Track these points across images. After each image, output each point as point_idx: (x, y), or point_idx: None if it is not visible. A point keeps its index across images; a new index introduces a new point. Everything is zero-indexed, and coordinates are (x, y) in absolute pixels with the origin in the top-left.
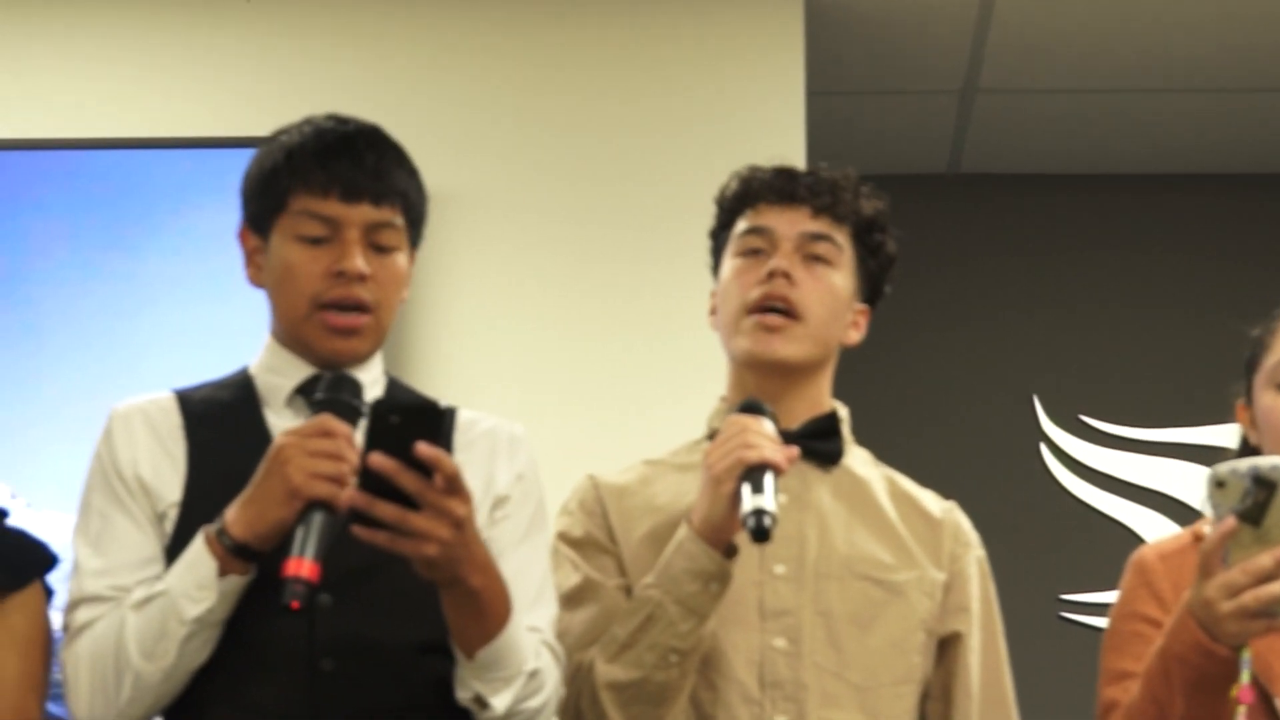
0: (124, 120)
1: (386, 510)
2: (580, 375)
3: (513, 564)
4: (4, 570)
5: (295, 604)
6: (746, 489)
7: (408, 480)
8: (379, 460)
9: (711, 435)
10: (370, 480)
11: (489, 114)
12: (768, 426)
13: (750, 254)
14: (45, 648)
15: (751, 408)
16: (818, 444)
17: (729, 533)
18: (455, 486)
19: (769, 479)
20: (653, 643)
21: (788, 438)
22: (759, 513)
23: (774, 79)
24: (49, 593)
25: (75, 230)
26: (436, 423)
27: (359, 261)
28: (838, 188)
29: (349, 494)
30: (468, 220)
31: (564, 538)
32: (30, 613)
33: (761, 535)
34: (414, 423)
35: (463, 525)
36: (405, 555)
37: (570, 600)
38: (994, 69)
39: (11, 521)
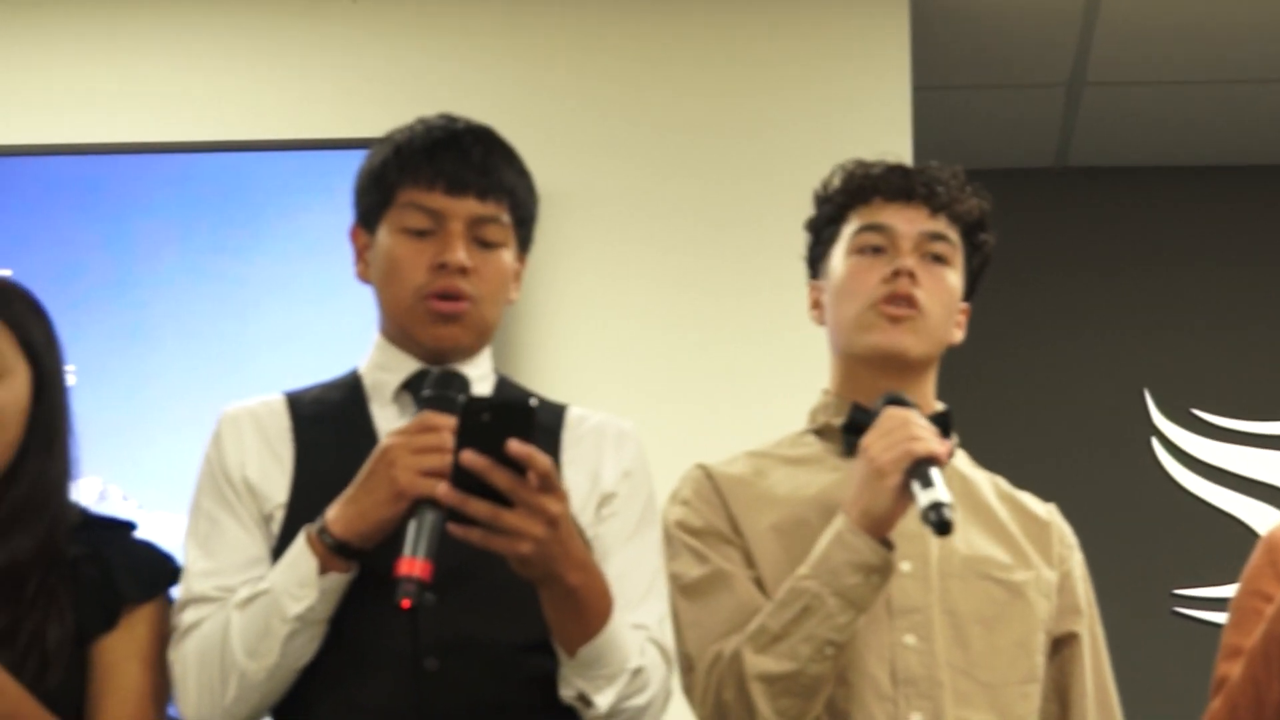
0: (232, 123)
1: (478, 507)
2: (688, 372)
3: (620, 561)
4: (134, 584)
5: (406, 602)
6: (916, 484)
7: (500, 477)
8: (471, 458)
9: (820, 429)
10: (463, 477)
11: (597, 113)
12: (922, 418)
13: (869, 251)
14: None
15: (898, 402)
16: None
17: (890, 525)
18: (549, 484)
19: (936, 472)
20: (809, 635)
21: None
22: (938, 506)
23: (880, 75)
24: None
25: (183, 233)
26: (528, 420)
27: (460, 254)
28: (951, 186)
29: (443, 490)
30: (577, 219)
31: (683, 527)
32: (156, 624)
33: (944, 529)
34: (506, 420)
35: (557, 523)
36: (499, 553)
37: (697, 590)
38: (1101, 61)
39: (148, 536)
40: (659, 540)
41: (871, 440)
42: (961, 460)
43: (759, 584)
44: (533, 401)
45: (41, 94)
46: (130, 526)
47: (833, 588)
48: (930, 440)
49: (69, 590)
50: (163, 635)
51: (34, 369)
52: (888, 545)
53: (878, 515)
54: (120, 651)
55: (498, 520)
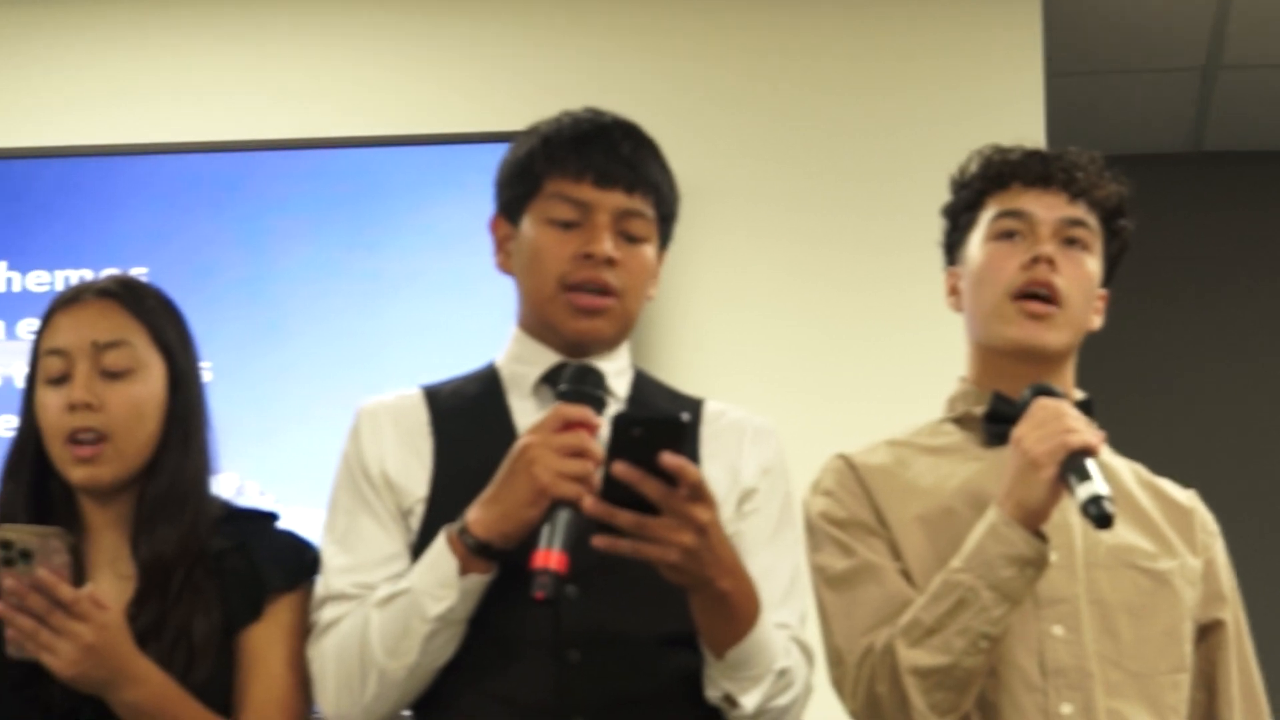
0: (366, 118)
1: (626, 518)
2: (824, 365)
3: (762, 561)
4: (278, 573)
5: (541, 595)
6: (1073, 477)
7: (651, 488)
8: (623, 470)
9: (959, 418)
10: (612, 489)
11: (733, 107)
12: (1073, 409)
13: (1006, 237)
14: None
15: (1047, 392)
16: None
17: (1044, 517)
18: (699, 493)
19: (1092, 464)
20: (963, 628)
21: None
22: (1098, 499)
23: (1013, 62)
24: None
25: (318, 229)
26: (679, 434)
27: (608, 245)
28: (1090, 171)
29: (590, 503)
30: (714, 212)
31: (827, 518)
32: (301, 612)
33: (1105, 522)
34: (657, 434)
35: (706, 531)
36: (649, 561)
37: (843, 582)
38: (1236, 45)
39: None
40: (798, 537)
41: (1025, 432)
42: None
43: (905, 575)
44: (684, 417)
45: (177, 92)
46: (273, 517)
47: (987, 580)
48: (1085, 432)
49: (214, 583)
50: (307, 623)
51: (169, 365)
52: (1041, 537)
53: (1032, 507)
54: (266, 640)
55: (647, 530)
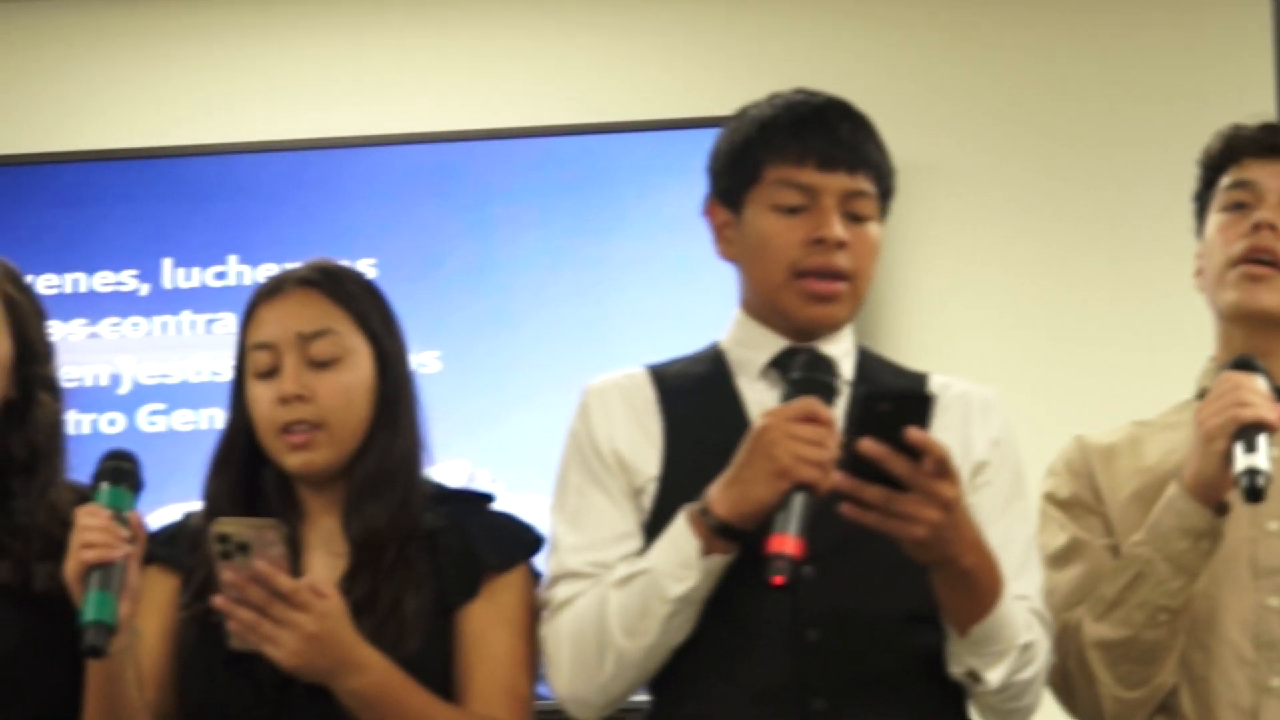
0: (590, 105)
1: (873, 493)
2: (1054, 342)
3: (997, 532)
4: (495, 552)
5: (778, 579)
6: (1239, 447)
7: (897, 465)
8: (869, 445)
9: (1201, 395)
10: (856, 464)
11: (953, 84)
12: (1261, 384)
13: (1234, 208)
14: (534, 627)
15: (1244, 364)
16: None
17: (1220, 490)
18: (944, 469)
19: (1263, 438)
20: (1142, 601)
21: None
22: (1252, 472)
23: (1242, 38)
24: (536, 576)
25: (544, 217)
26: (925, 409)
27: (838, 228)
28: None
29: (834, 477)
30: (937, 191)
31: (1050, 498)
32: (520, 593)
33: (1254, 495)
34: (903, 409)
35: (951, 507)
36: (894, 536)
37: (1057, 560)
38: None
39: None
40: (1029, 509)
41: (1203, 405)
42: None
43: (1114, 552)
44: (930, 391)
45: (402, 84)
46: (488, 498)
47: (1163, 553)
48: (1259, 406)
49: (427, 561)
50: (528, 603)
51: (374, 348)
52: (1222, 510)
53: (1206, 480)
54: (486, 620)
55: (892, 505)
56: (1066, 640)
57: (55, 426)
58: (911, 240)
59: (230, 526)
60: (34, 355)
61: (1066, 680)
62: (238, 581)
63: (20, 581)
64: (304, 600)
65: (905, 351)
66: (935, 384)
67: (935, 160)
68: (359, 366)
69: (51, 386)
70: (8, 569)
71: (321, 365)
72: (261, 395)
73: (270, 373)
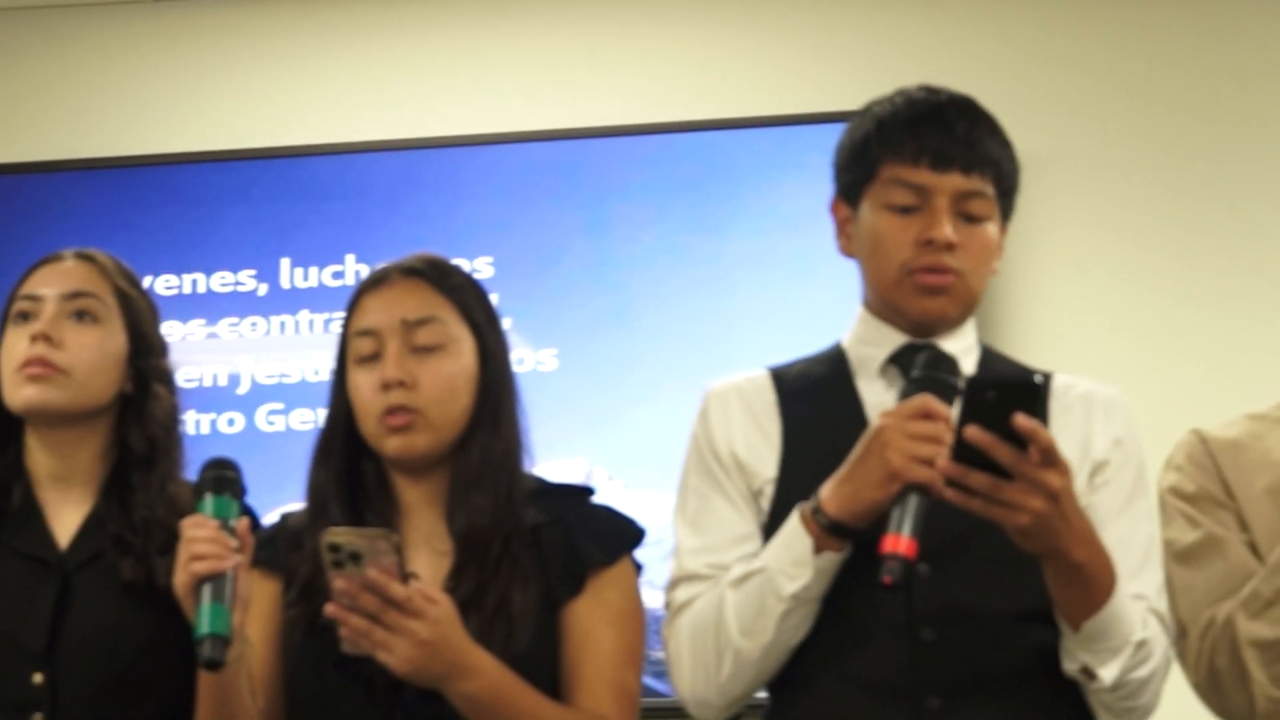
0: (706, 102)
1: (979, 480)
2: (1175, 337)
3: (1116, 531)
4: (597, 547)
5: (890, 580)
6: None
7: (1002, 453)
8: (975, 433)
9: None
10: (964, 451)
11: (1076, 76)
12: None
13: None
14: (640, 621)
15: None
16: None
17: None
18: (1051, 459)
19: None
20: None
21: None
22: None
23: None
24: (638, 567)
25: (661, 214)
26: (1033, 397)
27: (948, 230)
28: None
29: (943, 462)
30: (1061, 184)
31: (1176, 493)
32: (623, 587)
33: None
34: (1010, 397)
35: (1058, 497)
36: (999, 524)
37: (1189, 556)
38: None
39: (606, 501)
40: (1152, 508)
41: None
42: None
43: (1252, 548)
44: (1038, 379)
45: (518, 82)
46: (589, 491)
47: None
48: None
49: (532, 556)
50: (633, 597)
51: (478, 341)
52: None
53: None
54: (592, 616)
55: (998, 492)
56: (1214, 638)
57: (172, 420)
58: (1033, 234)
59: (342, 536)
60: (149, 349)
61: (1215, 678)
62: (350, 590)
63: (144, 577)
64: (417, 607)
65: (1027, 348)
66: (1059, 383)
67: (1058, 152)
68: (462, 356)
69: (167, 380)
70: (131, 565)
71: (425, 351)
72: (363, 382)
73: (372, 358)
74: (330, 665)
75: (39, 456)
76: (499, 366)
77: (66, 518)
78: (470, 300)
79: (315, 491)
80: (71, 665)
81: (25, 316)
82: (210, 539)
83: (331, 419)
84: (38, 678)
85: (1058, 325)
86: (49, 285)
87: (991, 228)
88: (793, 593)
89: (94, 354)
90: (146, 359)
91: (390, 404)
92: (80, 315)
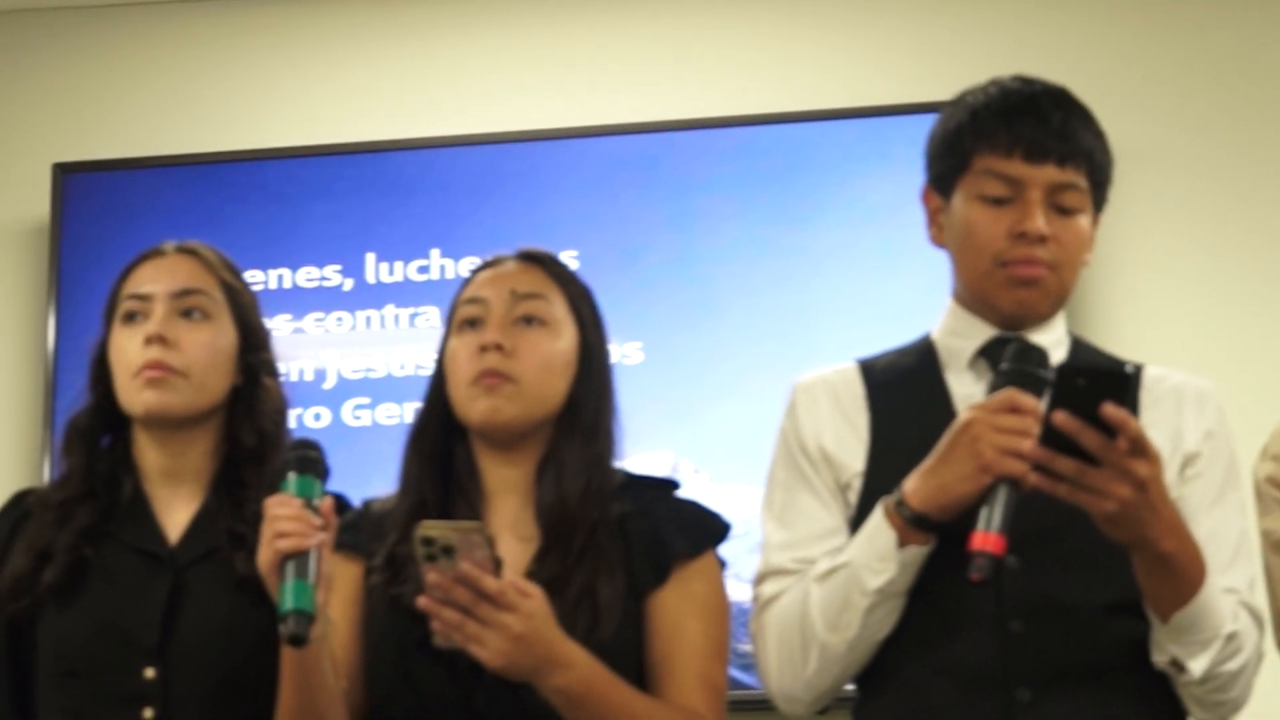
0: (789, 94)
1: (1066, 465)
2: (1267, 330)
3: (1208, 524)
4: (683, 538)
5: (978, 577)
6: None
7: (1090, 439)
8: (1062, 419)
9: None
10: (1052, 436)
11: (1168, 68)
12: None
13: None
14: (726, 614)
15: None
16: None
17: None
18: (1139, 448)
19: None
20: None
21: None
22: None
23: None
24: (722, 563)
25: (745, 207)
26: (1122, 386)
27: (1040, 223)
28: None
29: (1029, 446)
30: (1152, 176)
31: (1273, 482)
32: (709, 579)
33: None
34: (1099, 385)
35: (1146, 486)
36: (1086, 511)
37: None
38: None
39: (692, 495)
40: (1244, 501)
41: None
42: None
43: None
44: (1128, 368)
45: (601, 76)
46: (674, 485)
47: None
48: None
49: (618, 546)
50: (718, 590)
51: (580, 333)
52: None
53: None
54: (678, 609)
55: (1084, 478)
56: None
57: (281, 413)
58: (1124, 226)
59: (436, 530)
60: (257, 342)
61: None
62: (443, 583)
63: (257, 571)
64: (510, 601)
65: (1119, 339)
66: (1151, 375)
67: (1150, 145)
68: (563, 337)
69: (273, 371)
70: (244, 559)
71: (528, 323)
72: (460, 347)
73: (474, 324)
74: (412, 646)
75: (149, 453)
76: (599, 362)
77: (176, 513)
78: (577, 293)
79: (405, 478)
80: (183, 661)
81: (133, 316)
82: (294, 517)
83: (429, 402)
84: (149, 673)
85: (1150, 317)
86: (155, 283)
87: (1084, 220)
88: (877, 587)
89: (208, 353)
90: (255, 352)
91: (486, 367)
92: (190, 313)
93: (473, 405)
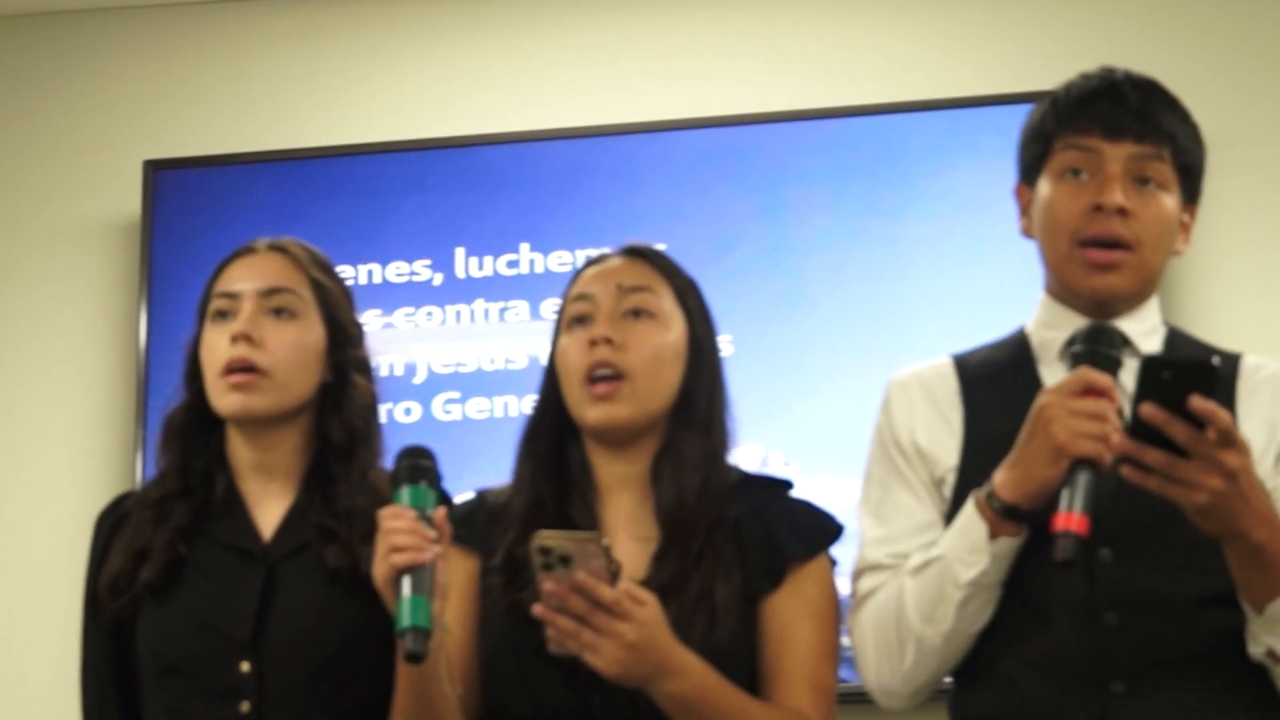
0: (880, 85)
1: (1154, 456)
2: None
3: None
4: (796, 541)
5: (1062, 557)
6: None
7: (1178, 431)
8: (1150, 411)
9: None
10: (1140, 429)
11: (1260, 57)
12: None
13: None
14: (836, 617)
15: None
16: None
17: None
18: (1228, 439)
19: None
20: None
21: None
22: None
23: None
24: (834, 563)
25: (835, 198)
26: (1209, 378)
27: (1118, 195)
28: None
29: (1118, 440)
30: (1245, 164)
31: None
32: (821, 582)
33: None
34: (1186, 378)
35: (1235, 477)
36: (1177, 503)
37: None
38: None
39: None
40: None
41: None
42: None
43: None
44: (1214, 360)
45: (690, 68)
46: (788, 485)
47: None
48: None
49: (734, 549)
50: (830, 593)
51: (689, 327)
52: None
53: None
54: (792, 611)
55: (1173, 470)
56: None
57: (370, 410)
58: (1217, 215)
59: (553, 540)
60: (346, 339)
61: None
62: (559, 592)
63: (348, 565)
64: (625, 610)
65: (1215, 329)
66: (1248, 364)
67: (1240, 134)
68: (672, 330)
69: (364, 368)
70: (335, 553)
71: (636, 316)
72: (570, 344)
73: (584, 319)
74: (529, 651)
75: (241, 449)
76: (709, 353)
77: (269, 509)
78: (684, 286)
79: (521, 473)
80: (278, 655)
81: (223, 314)
82: (408, 530)
83: (542, 400)
84: (245, 666)
85: (1243, 306)
86: (245, 281)
87: (1168, 199)
88: (970, 579)
89: (293, 351)
90: (344, 349)
91: (597, 359)
92: (278, 312)
93: (586, 410)
